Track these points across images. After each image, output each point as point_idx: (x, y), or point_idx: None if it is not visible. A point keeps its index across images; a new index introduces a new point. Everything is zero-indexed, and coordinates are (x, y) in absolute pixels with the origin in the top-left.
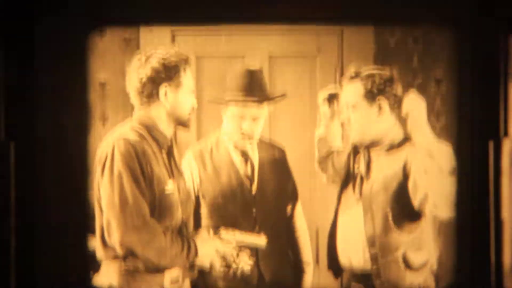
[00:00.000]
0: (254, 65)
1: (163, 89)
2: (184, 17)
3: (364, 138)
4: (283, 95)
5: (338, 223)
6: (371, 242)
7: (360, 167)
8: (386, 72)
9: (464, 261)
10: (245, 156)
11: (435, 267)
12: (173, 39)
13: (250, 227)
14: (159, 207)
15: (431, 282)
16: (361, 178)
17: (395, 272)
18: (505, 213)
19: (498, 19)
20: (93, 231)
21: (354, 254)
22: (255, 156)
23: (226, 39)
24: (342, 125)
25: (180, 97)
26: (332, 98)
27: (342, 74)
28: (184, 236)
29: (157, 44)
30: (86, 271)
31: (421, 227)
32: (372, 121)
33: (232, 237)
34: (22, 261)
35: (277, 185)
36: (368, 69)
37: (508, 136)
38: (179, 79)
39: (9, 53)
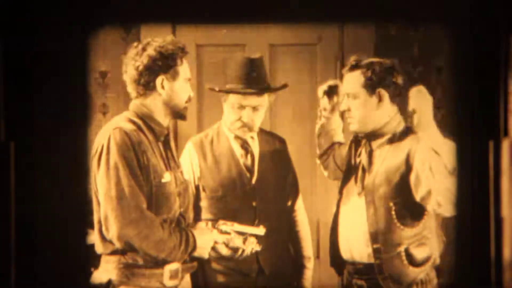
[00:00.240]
0: (254, 54)
1: (160, 78)
2: (184, 15)
3: (363, 127)
4: (284, 86)
5: (339, 217)
6: (374, 237)
7: (362, 159)
8: (387, 62)
9: (465, 257)
10: (245, 147)
11: (438, 262)
12: (173, 27)
13: (250, 220)
14: (156, 199)
15: (433, 276)
16: (363, 170)
17: (398, 267)
18: (505, 212)
19: (498, 19)
20: (92, 227)
21: (356, 248)
22: (255, 147)
23: (226, 28)
24: (343, 114)
25: (177, 86)
26: (331, 91)
27: (342, 62)
28: (182, 228)
29: (157, 32)
30: (86, 270)
31: (424, 222)
32: (372, 110)
33: (231, 229)
34: (22, 261)
35: (277, 177)
36: (369, 58)
37: (508, 136)
38: (176, 68)
39: (9, 53)
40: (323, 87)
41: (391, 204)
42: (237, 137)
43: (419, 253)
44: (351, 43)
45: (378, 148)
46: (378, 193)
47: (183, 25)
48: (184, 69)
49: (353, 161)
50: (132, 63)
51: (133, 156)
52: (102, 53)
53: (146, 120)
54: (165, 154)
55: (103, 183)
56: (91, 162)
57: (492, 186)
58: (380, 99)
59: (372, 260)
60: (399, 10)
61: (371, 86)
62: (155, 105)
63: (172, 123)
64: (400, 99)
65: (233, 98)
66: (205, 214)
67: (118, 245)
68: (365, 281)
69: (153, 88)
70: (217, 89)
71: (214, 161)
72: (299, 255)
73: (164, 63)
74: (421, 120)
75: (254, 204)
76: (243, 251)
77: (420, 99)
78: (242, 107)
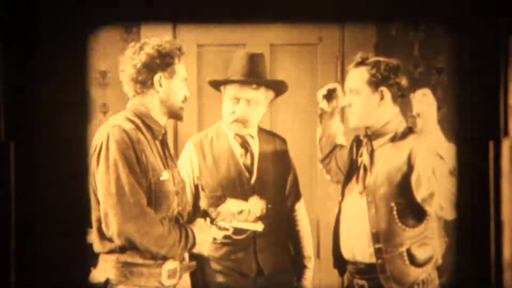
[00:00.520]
0: (256, 51)
1: (158, 75)
2: (184, 15)
3: (363, 123)
4: (281, 82)
5: (341, 217)
6: (376, 237)
7: (364, 159)
8: (393, 62)
9: (465, 258)
10: (245, 146)
11: (439, 262)
12: (174, 27)
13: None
14: (155, 197)
15: (435, 276)
16: (365, 170)
17: (400, 267)
18: (505, 213)
19: (498, 19)
20: (92, 226)
21: (358, 248)
22: (255, 147)
23: (227, 28)
24: (342, 117)
25: (174, 85)
26: (330, 95)
27: (343, 62)
28: (181, 225)
29: (158, 32)
30: (86, 269)
31: (426, 223)
32: (372, 107)
33: (229, 225)
34: (22, 261)
35: (277, 177)
36: (376, 57)
37: (508, 136)
38: (173, 66)
39: (9, 53)
40: (322, 91)
41: (393, 204)
42: (236, 136)
43: (421, 253)
44: (351, 43)
45: (380, 148)
46: (379, 193)
47: (184, 25)
48: (181, 68)
49: (354, 161)
50: (129, 61)
51: (132, 153)
52: (102, 53)
53: (144, 119)
54: (163, 153)
55: (103, 180)
56: (90, 160)
57: (492, 186)
58: (381, 98)
59: (373, 260)
60: (399, 10)
61: (374, 84)
62: (153, 103)
63: (173, 123)
64: (402, 100)
65: (229, 91)
66: None
67: (118, 242)
68: (367, 281)
69: (151, 86)
70: (216, 83)
71: (213, 161)
72: (299, 255)
73: (162, 61)
74: (425, 124)
75: None
76: (249, 212)
77: (425, 103)
78: (237, 99)
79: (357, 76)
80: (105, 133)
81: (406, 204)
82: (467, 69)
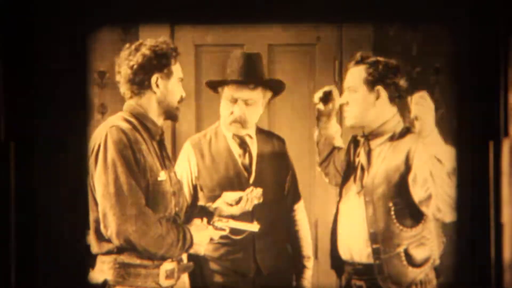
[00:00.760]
0: (254, 51)
1: (155, 76)
2: (182, 15)
3: (359, 122)
4: (278, 81)
5: (339, 217)
6: (373, 237)
7: (361, 159)
8: (392, 62)
9: (465, 258)
10: (243, 146)
11: (437, 262)
12: (172, 28)
13: (247, 220)
14: (152, 197)
15: (432, 277)
16: (362, 170)
17: (397, 268)
18: (505, 213)
19: (497, 19)
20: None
21: (356, 249)
22: (253, 146)
23: (225, 28)
24: (341, 107)
25: (171, 85)
26: (326, 97)
27: (341, 63)
28: (179, 225)
29: (156, 32)
30: (86, 270)
31: (424, 223)
32: (369, 107)
33: (226, 225)
34: (22, 261)
35: (275, 176)
36: (376, 57)
37: (508, 136)
38: (169, 67)
39: (9, 53)
40: (318, 94)
41: (391, 204)
42: (235, 136)
43: (418, 254)
44: (349, 44)
45: (377, 148)
46: (377, 193)
47: (182, 25)
48: (177, 69)
49: (352, 161)
50: (126, 62)
51: (130, 153)
52: (100, 54)
53: (141, 119)
54: (160, 153)
55: (101, 180)
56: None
57: (492, 186)
58: (378, 97)
59: (371, 261)
60: (397, 10)
61: (371, 83)
62: (150, 104)
63: (171, 123)
64: (400, 101)
65: (227, 92)
66: None
67: (117, 242)
68: (364, 281)
69: (148, 86)
70: (212, 83)
71: (212, 161)
72: (298, 255)
73: (158, 62)
74: (423, 127)
75: None
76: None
77: (423, 106)
78: (234, 100)
79: (356, 75)
80: (103, 133)
81: (404, 205)
82: (466, 69)
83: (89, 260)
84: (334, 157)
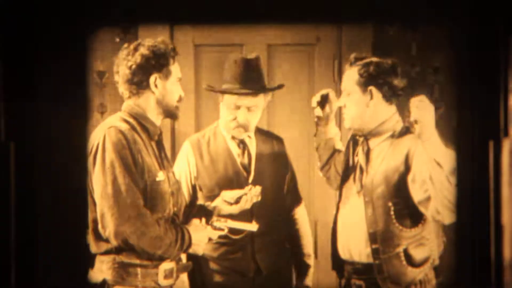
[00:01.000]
0: (250, 54)
1: (153, 76)
2: (182, 15)
3: (356, 124)
4: (279, 86)
5: (338, 217)
6: (373, 237)
7: (360, 158)
8: (385, 62)
9: (465, 258)
10: (242, 146)
11: (436, 262)
12: (171, 28)
13: (246, 220)
14: (151, 197)
15: (432, 276)
16: (361, 170)
17: (397, 268)
18: (505, 213)
19: (497, 20)
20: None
21: (355, 248)
22: (252, 146)
23: (224, 28)
24: (340, 109)
25: (169, 85)
26: (324, 100)
27: (340, 63)
28: (177, 225)
29: (155, 32)
30: (86, 270)
31: (423, 223)
32: (364, 108)
33: (224, 225)
34: (22, 261)
35: (275, 176)
36: (368, 57)
37: (508, 136)
38: (168, 67)
39: (9, 53)
40: (315, 98)
41: (390, 204)
42: (234, 137)
43: (418, 254)
44: (349, 44)
45: (377, 147)
46: (376, 193)
47: (181, 25)
48: (176, 68)
49: (351, 161)
50: (124, 63)
51: (128, 154)
52: (100, 54)
53: (139, 119)
54: (158, 154)
55: (99, 181)
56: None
57: (492, 186)
58: (371, 97)
59: (371, 260)
60: (397, 10)
61: (363, 84)
62: (148, 104)
63: (170, 123)
64: (398, 100)
65: (228, 99)
66: None
67: (115, 242)
68: (364, 281)
69: (146, 87)
70: (213, 89)
71: (211, 161)
72: (299, 253)
73: (157, 62)
74: (423, 130)
75: None
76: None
77: (422, 109)
78: (237, 107)
79: (350, 77)
80: (101, 134)
81: (403, 205)
82: (466, 69)
83: (89, 260)
84: (335, 160)
